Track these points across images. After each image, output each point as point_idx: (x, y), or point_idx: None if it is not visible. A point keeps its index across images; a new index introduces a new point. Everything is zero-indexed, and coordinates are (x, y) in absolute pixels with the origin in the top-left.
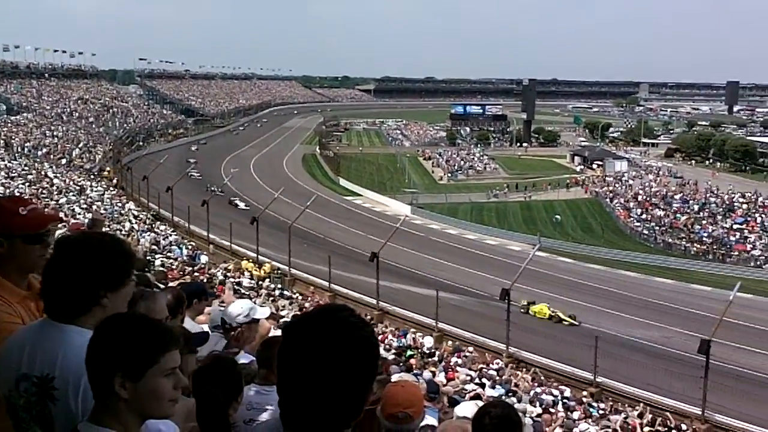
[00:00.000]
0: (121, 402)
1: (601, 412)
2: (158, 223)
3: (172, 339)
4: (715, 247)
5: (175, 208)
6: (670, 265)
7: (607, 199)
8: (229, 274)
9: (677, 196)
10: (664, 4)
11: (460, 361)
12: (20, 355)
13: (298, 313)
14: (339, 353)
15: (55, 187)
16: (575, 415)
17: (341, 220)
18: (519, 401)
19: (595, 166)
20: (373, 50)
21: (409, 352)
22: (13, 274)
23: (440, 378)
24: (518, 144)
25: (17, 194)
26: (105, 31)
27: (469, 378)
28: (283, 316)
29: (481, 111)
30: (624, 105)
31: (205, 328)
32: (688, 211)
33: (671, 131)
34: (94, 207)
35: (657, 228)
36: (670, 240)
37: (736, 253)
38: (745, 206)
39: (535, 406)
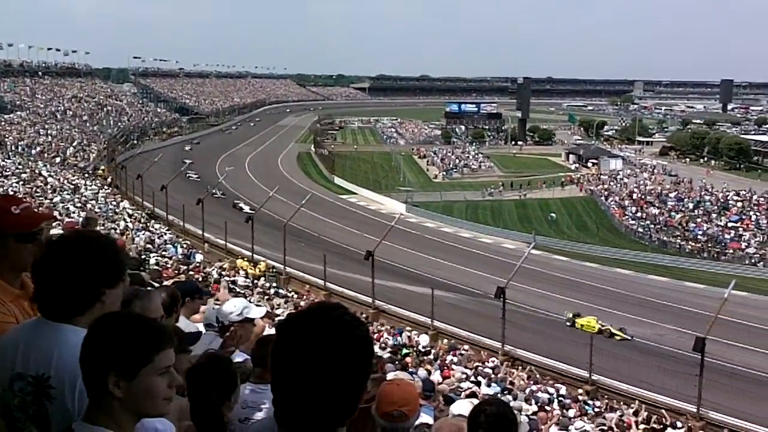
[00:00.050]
0: (116, 401)
1: (596, 409)
2: (153, 221)
3: (166, 338)
4: (709, 245)
5: (169, 207)
6: (665, 263)
7: (602, 197)
8: (224, 272)
9: (672, 194)
10: (659, 4)
11: (455, 359)
12: (14, 354)
13: (293, 311)
14: (333, 351)
15: (49, 186)
16: (571, 413)
17: (336, 218)
18: (514, 399)
19: (590, 164)
20: (368, 48)
21: (404, 351)
22: (6, 273)
23: (436, 376)
24: (513, 142)
25: (11, 193)
26: (104, 31)
27: (464, 376)
28: (278, 315)
29: (476, 109)
30: (619, 103)
31: (200, 326)
32: (683, 209)
33: (666, 129)
34: (89, 206)
35: (652, 226)
36: (664, 238)
37: (731, 251)
38: (739, 204)
39: (530, 404)
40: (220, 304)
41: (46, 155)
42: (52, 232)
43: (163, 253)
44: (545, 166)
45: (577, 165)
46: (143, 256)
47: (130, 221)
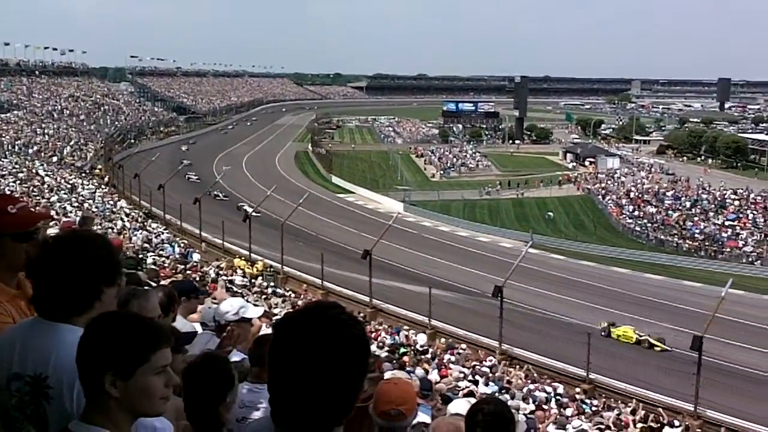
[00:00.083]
0: (112, 400)
1: (594, 408)
2: (150, 221)
3: (163, 337)
4: (707, 243)
5: (167, 206)
6: (662, 261)
7: (600, 196)
8: (221, 271)
9: (669, 193)
10: (656, 3)
11: (453, 358)
12: (11, 354)
13: (291, 310)
14: (329, 351)
15: (46, 185)
16: (568, 411)
17: (334, 217)
18: (512, 398)
19: (587, 163)
20: (365, 48)
21: (402, 350)
22: (3, 273)
23: (433, 375)
24: (510, 141)
25: (7, 192)
26: (104, 31)
27: (462, 375)
28: (275, 314)
29: (473, 108)
30: (616, 102)
31: (197, 326)
32: (680, 207)
33: (663, 128)
34: (86, 205)
35: (649, 225)
36: (662, 237)
37: (728, 249)
38: (736, 203)
39: (528, 403)
40: (218, 303)
41: (43, 154)
42: (49, 231)
43: (161, 252)
44: (542, 164)
45: (575, 164)
46: (140, 256)
47: (127, 220)
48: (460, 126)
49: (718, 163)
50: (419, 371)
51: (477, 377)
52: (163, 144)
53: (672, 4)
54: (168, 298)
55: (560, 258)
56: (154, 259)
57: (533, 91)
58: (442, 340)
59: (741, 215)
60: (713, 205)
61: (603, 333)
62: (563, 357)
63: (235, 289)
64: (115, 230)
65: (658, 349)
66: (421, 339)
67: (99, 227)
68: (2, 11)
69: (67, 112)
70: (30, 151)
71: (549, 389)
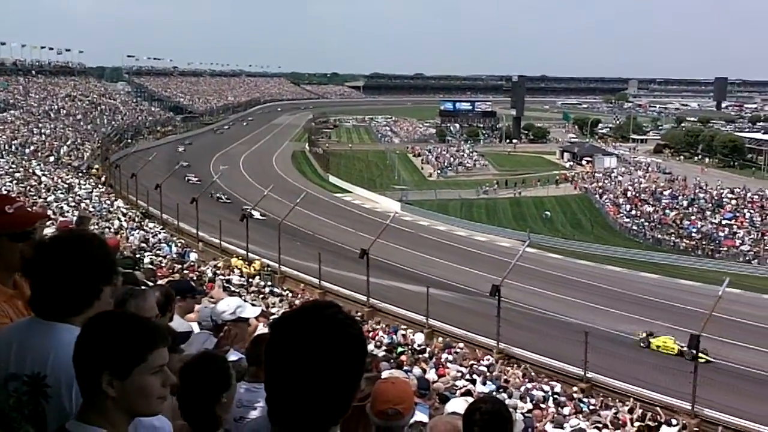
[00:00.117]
0: (109, 400)
1: (591, 407)
2: (147, 220)
3: (160, 336)
4: (704, 242)
5: (163, 206)
6: (659, 260)
7: (597, 195)
8: (218, 271)
9: (666, 192)
10: (653, 2)
11: (450, 357)
12: (7, 354)
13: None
14: (326, 350)
15: (42, 185)
16: (566, 410)
17: (331, 217)
18: (510, 397)
19: (584, 162)
20: (362, 47)
21: (399, 349)
22: (0, 273)
23: (431, 374)
24: (508, 140)
25: (4, 192)
26: (104, 31)
27: (459, 374)
28: (273, 314)
29: (470, 107)
30: (613, 101)
31: (194, 326)
32: (677, 206)
33: (660, 127)
34: (83, 205)
35: (646, 224)
36: (659, 236)
37: (725, 248)
38: (733, 202)
39: (525, 402)
40: (215, 303)
41: (39, 154)
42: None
43: (158, 252)
44: (540, 164)
45: (572, 163)
46: (137, 255)
47: (125, 220)
48: (458, 125)
49: (715, 162)
50: (417, 370)
51: (474, 376)
52: (160, 144)
53: (669, 4)
54: (165, 297)
55: (557, 257)
56: (151, 258)
57: (530, 91)
58: (440, 339)
59: (738, 214)
60: (710, 204)
61: (642, 344)
62: (561, 356)
63: (232, 288)
64: (112, 230)
65: (702, 360)
66: (419, 338)
67: (96, 227)
68: (2, 11)
69: (64, 111)
70: (27, 150)
71: (546, 388)
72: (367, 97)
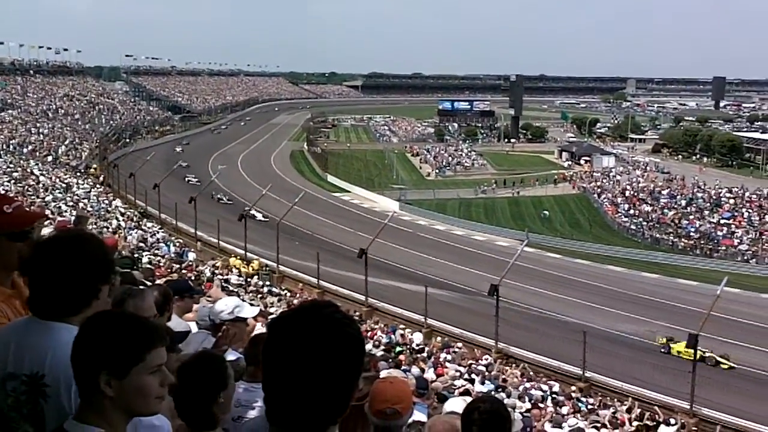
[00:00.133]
0: (107, 400)
1: (590, 406)
2: (145, 220)
3: (158, 336)
4: (702, 242)
5: (162, 206)
6: (657, 260)
7: (595, 195)
8: (217, 271)
9: (664, 192)
10: (651, 2)
11: (449, 357)
12: (5, 354)
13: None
14: (323, 350)
15: (41, 185)
16: (564, 410)
17: (329, 216)
18: (508, 396)
19: (582, 161)
20: (360, 47)
21: (398, 349)
22: None
23: (429, 374)
24: (506, 140)
25: (2, 192)
26: (103, 31)
27: (458, 374)
28: (271, 313)
29: (468, 107)
30: (611, 101)
31: (193, 325)
32: (676, 206)
33: (658, 127)
34: (81, 204)
35: (644, 223)
36: (657, 235)
37: (723, 247)
38: (732, 201)
39: (524, 402)
40: (213, 302)
41: (37, 154)
42: (44, 231)
43: (156, 251)
44: (538, 163)
45: (570, 162)
46: (136, 255)
47: (123, 220)
48: (456, 125)
49: (713, 162)
50: (415, 370)
51: (473, 376)
52: (158, 143)
53: (668, 4)
54: (163, 297)
55: (556, 257)
56: (149, 258)
57: (529, 90)
58: (438, 338)
59: (736, 213)
60: (708, 204)
61: (663, 350)
62: (559, 355)
63: (230, 288)
64: (110, 229)
65: (725, 366)
66: (417, 338)
67: (94, 227)
68: (2, 11)
69: (62, 111)
70: (25, 150)
71: (545, 387)
72: (365, 96)
